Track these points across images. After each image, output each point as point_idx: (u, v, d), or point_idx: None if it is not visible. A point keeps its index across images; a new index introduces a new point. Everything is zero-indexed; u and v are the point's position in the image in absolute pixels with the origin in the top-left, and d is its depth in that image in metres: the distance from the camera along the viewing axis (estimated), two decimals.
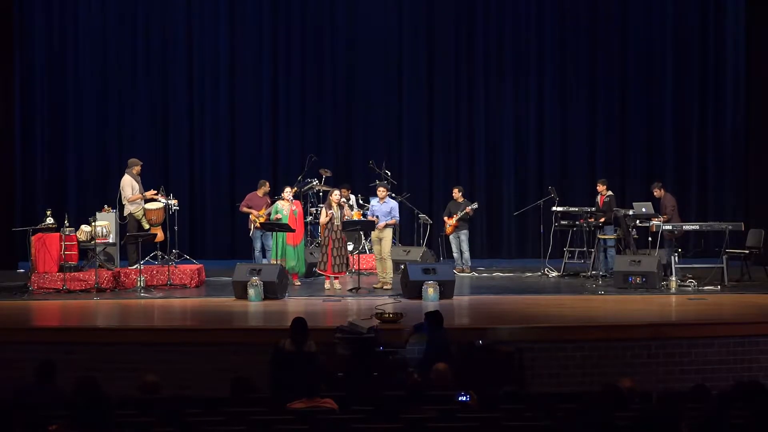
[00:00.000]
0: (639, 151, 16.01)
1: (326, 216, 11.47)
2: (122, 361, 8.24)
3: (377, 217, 11.78)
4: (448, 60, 16.13)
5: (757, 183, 15.17)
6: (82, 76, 15.76)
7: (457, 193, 13.91)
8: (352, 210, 13.88)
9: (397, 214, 11.97)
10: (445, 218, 13.90)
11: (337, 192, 11.75)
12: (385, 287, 11.55)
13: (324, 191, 13.68)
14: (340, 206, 11.61)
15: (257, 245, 13.15)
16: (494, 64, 16.13)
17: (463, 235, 13.71)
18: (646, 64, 15.93)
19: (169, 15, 15.93)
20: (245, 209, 13.10)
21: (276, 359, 7.40)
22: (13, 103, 15.46)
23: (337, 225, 11.47)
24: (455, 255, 13.80)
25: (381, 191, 11.99)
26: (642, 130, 15.99)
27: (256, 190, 13.18)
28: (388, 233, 11.83)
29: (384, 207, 11.88)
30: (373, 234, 11.89)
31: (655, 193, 12.76)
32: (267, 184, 13.26)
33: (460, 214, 13.62)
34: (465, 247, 13.71)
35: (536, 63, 16.08)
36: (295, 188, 13.09)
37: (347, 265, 11.80)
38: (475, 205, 13.78)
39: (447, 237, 14.04)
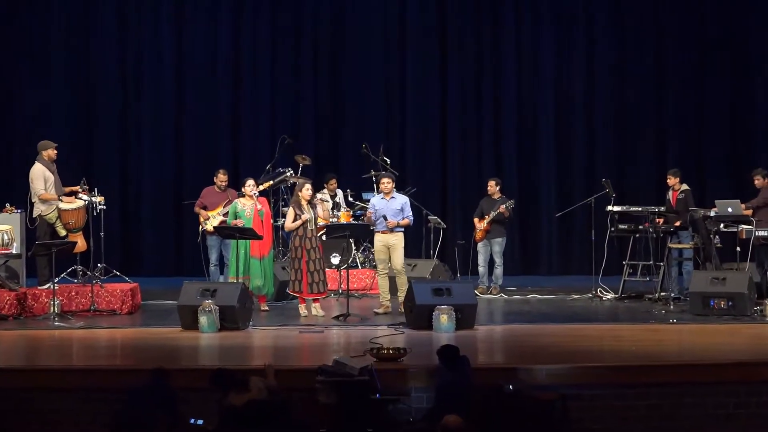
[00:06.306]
0: (722, 131, 16.04)
1: (293, 218, 11.35)
2: (30, 412, 8.21)
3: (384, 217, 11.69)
4: (466, 5, 16.15)
5: None
6: None
7: (493, 187, 13.88)
8: (339, 209, 13.88)
9: (410, 212, 11.92)
10: (476, 220, 13.86)
11: (307, 186, 11.59)
12: (387, 311, 11.63)
13: None
14: (313, 205, 11.55)
15: (213, 257, 13.12)
16: (528, 9, 16.17)
17: (497, 243, 13.70)
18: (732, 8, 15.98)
19: None
20: (198, 209, 13.12)
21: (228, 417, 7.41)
22: None
23: (312, 230, 11.41)
24: (480, 269, 13.79)
25: (386, 183, 11.84)
26: (726, 101, 16.02)
27: (212, 183, 13.24)
28: (400, 240, 11.77)
29: (392, 204, 11.78)
30: (379, 241, 11.80)
31: (756, 183, 12.71)
32: (224, 173, 13.29)
33: (492, 215, 13.59)
34: (498, 259, 13.69)
35: (584, 6, 16.12)
36: (270, 182, 13.07)
37: (325, 282, 11.69)
38: (511, 204, 13.74)
39: (476, 245, 13.96)
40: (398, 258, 11.72)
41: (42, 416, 8.23)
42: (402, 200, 11.92)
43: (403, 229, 11.87)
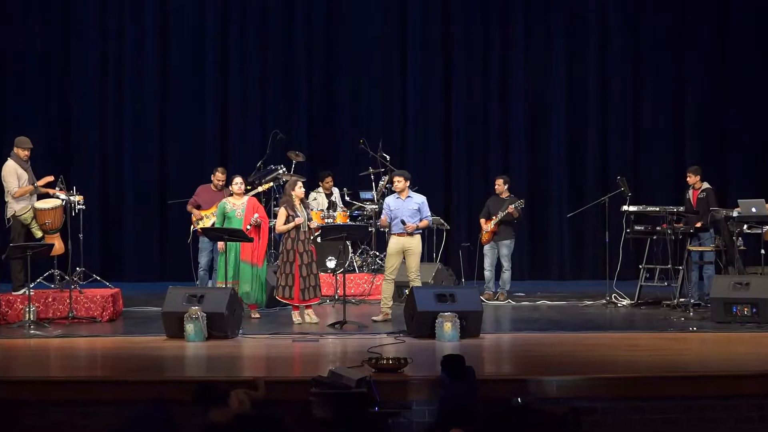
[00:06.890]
0: (745, 126, 16.08)
1: (285, 219, 11.30)
2: (6, 426, 8.19)
3: (403, 221, 11.63)
4: None
5: None
6: None
7: (501, 186, 13.89)
8: (335, 209, 13.87)
9: (428, 211, 11.89)
10: (482, 221, 13.85)
11: (299, 184, 11.60)
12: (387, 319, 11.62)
13: None
14: (306, 204, 11.53)
15: (203, 260, 13.10)
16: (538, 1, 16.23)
17: (505, 246, 13.71)
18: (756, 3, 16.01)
19: None
20: (191, 208, 13.13)
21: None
22: None
23: (304, 231, 11.38)
24: (486, 274, 13.80)
25: (398, 183, 11.77)
26: (749, 96, 16.06)
27: (207, 181, 13.29)
28: (419, 243, 11.74)
29: (409, 204, 11.72)
30: (394, 244, 11.76)
31: None
32: (222, 171, 13.27)
33: (500, 215, 13.58)
34: (506, 262, 13.70)
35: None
36: (269, 183, 13.05)
37: (319, 287, 11.67)
38: (520, 204, 13.73)
39: (482, 248, 13.95)
40: (416, 263, 11.70)
41: (18, 430, 8.23)
42: (419, 199, 11.87)
43: (421, 231, 11.86)
